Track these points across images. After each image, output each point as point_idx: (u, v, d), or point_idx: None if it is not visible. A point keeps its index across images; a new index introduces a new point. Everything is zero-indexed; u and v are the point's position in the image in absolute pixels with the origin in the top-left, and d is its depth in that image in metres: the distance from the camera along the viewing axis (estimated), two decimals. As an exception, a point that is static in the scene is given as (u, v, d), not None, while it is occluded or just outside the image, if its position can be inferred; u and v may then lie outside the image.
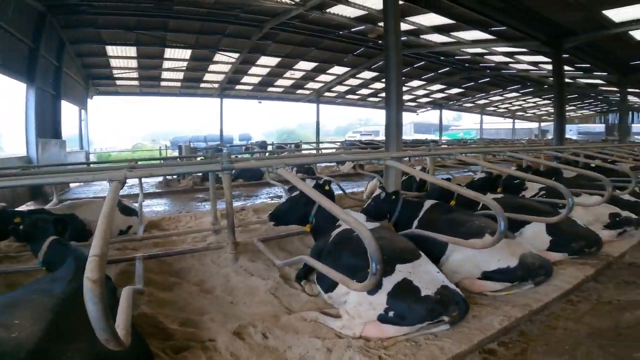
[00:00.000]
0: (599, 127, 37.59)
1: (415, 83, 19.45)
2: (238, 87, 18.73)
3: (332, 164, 13.67)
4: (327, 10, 10.03)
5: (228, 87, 18.52)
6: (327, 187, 3.98)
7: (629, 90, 16.49)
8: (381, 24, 10.02)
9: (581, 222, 3.86)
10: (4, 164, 7.48)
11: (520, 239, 3.43)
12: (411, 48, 12.97)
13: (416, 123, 43.72)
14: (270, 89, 19.49)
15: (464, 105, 27.92)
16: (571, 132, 36.15)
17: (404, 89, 18.55)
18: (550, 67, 12.77)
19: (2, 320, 1.50)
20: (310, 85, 19.34)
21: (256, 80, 17.75)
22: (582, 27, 9.65)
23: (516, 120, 35.62)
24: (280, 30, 11.76)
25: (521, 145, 11.45)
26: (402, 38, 6.14)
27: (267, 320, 2.40)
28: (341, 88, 20.38)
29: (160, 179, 10.45)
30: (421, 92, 21.86)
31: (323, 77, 17.99)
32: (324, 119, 22.55)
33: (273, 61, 15.05)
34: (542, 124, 36.59)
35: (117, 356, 1.43)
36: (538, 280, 2.90)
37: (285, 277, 3.15)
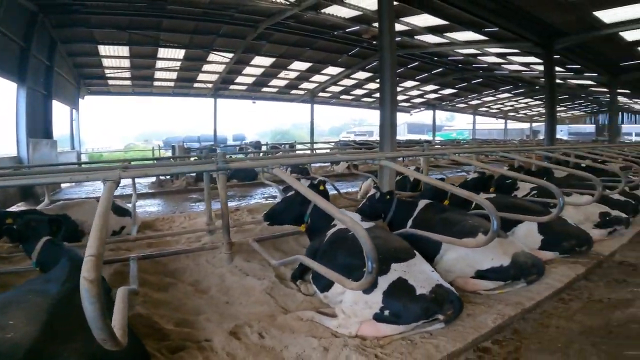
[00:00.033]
0: (589, 128, 38.16)
1: (409, 83, 19.55)
2: (232, 87, 18.67)
3: (326, 164, 13.69)
4: (322, 11, 10.05)
5: (222, 87, 18.46)
6: (321, 187, 3.98)
7: (619, 91, 16.74)
8: (376, 24, 10.10)
9: (572, 221, 3.92)
10: (-6, 164, 7.38)
11: (513, 238, 3.48)
12: (405, 49, 13.04)
13: (410, 123, 43.96)
14: (265, 89, 19.46)
15: (457, 105, 28.15)
16: (562, 132, 36.66)
17: (398, 89, 18.66)
18: (541, 68, 12.93)
19: (-3, 321, 1.49)
20: (305, 85, 19.34)
21: (250, 80, 17.71)
22: (573, 28, 9.78)
23: (508, 121, 36.00)
24: (275, 30, 11.75)
25: (513, 146, 11.60)
26: (396, 39, 6.17)
27: (264, 320, 2.40)
28: (335, 88, 20.41)
29: (153, 179, 10.39)
30: (415, 92, 21.98)
31: (317, 78, 18.01)
32: (318, 119, 22.57)
33: (267, 61, 15.03)
34: (534, 124, 37.04)
35: (114, 356, 1.43)
36: (530, 279, 2.95)
37: (280, 277, 3.15)
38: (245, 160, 5.22)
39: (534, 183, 4.19)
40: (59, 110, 12.75)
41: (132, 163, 5.48)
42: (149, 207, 7.61)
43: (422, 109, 27.34)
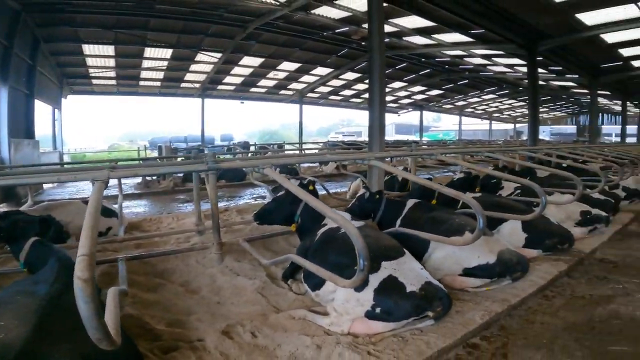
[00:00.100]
0: (571, 129, 39.21)
1: (397, 84, 19.73)
2: (220, 87, 18.52)
3: (315, 165, 13.72)
4: (312, 11, 10.06)
5: (210, 87, 18.29)
6: (311, 188, 4.00)
7: (599, 92, 17.21)
8: (365, 25, 10.15)
9: (554, 220, 4.03)
10: (-26, 165, 7.17)
11: (498, 236, 3.57)
12: (394, 50, 13.15)
13: (397, 124, 44.36)
14: (253, 89, 19.36)
15: (443, 106, 28.54)
16: (544, 133, 37.58)
17: (386, 90, 18.80)
18: (525, 69, 13.21)
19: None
20: (294, 85, 19.32)
21: (239, 80, 17.60)
22: (556, 30, 10.02)
23: (493, 122, 36.69)
24: (264, 30, 11.72)
25: (498, 146, 11.84)
26: (385, 40, 6.23)
27: (256, 319, 2.40)
28: (324, 89, 20.45)
29: (139, 179, 10.24)
30: (403, 93, 22.20)
31: (306, 78, 18.01)
32: (306, 120, 22.65)
33: (256, 61, 14.97)
34: (517, 125, 37.84)
35: (107, 357, 1.42)
36: (515, 276, 3.02)
37: (271, 277, 3.16)
38: (235, 161, 5.19)
39: (518, 182, 4.29)
40: (41, 110, 12.52)
41: (119, 163, 5.40)
42: (135, 208, 7.50)
43: (409, 109, 27.63)
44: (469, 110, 30.98)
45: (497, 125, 38.80)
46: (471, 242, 2.62)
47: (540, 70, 13.37)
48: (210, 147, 17.68)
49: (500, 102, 27.72)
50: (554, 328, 2.47)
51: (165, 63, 14.18)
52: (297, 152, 15.62)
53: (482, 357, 2.17)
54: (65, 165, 10.26)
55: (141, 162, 9.30)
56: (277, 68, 16.05)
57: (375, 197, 3.99)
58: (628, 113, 24.15)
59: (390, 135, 39.51)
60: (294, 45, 13.35)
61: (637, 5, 8.18)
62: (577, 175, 4.16)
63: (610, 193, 5.67)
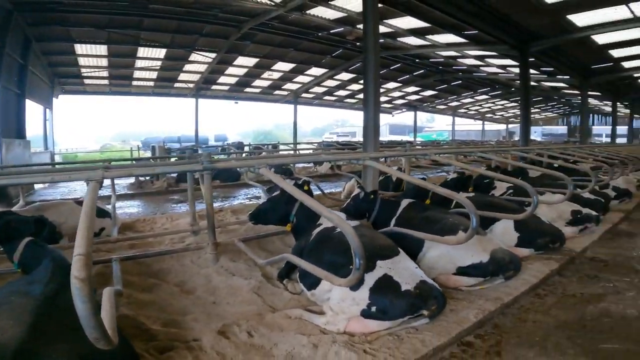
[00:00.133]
0: (562, 129, 39.75)
1: (391, 85, 19.81)
2: (214, 87, 18.45)
3: (309, 165, 13.73)
4: (307, 12, 10.07)
5: (204, 87, 18.20)
6: (306, 188, 4.00)
7: (590, 93, 17.44)
8: (360, 26, 10.20)
9: (546, 219, 4.08)
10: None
11: (491, 235, 3.60)
12: (388, 50, 13.22)
13: (391, 124, 44.58)
14: (248, 89, 19.31)
15: (437, 107, 28.72)
16: (536, 133, 38.05)
17: (381, 90, 18.88)
18: (517, 70, 13.35)
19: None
20: (288, 86, 19.31)
21: (233, 80, 17.54)
22: (548, 31, 10.15)
23: (485, 122, 37.03)
24: (259, 30, 11.70)
25: (490, 146, 11.96)
26: (380, 40, 6.26)
27: (252, 319, 2.40)
28: (319, 89, 20.47)
29: (132, 180, 10.17)
30: (397, 93, 22.30)
31: (301, 78, 18.01)
32: (300, 120, 22.59)
33: (251, 61, 14.93)
34: (510, 125, 38.24)
35: (103, 356, 1.42)
36: (508, 274, 3.05)
37: (267, 277, 3.16)
38: (230, 161, 5.19)
39: (510, 182, 4.34)
40: (32, 110, 12.39)
41: (112, 164, 5.36)
42: (128, 209, 7.44)
43: (403, 110, 27.76)
44: (462, 110, 31.23)
45: (489, 126, 39.19)
46: (464, 241, 2.65)
47: (532, 71, 13.53)
48: (204, 148, 17.62)
49: (493, 102, 28.00)
50: (547, 326, 2.50)
51: (159, 63, 14.08)
52: (292, 152, 15.61)
53: (476, 355, 2.18)
54: (57, 166, 10.14)
55: (134, 162, 9.24)
56: (272, 68, 16.03)
57: (370, 197, 4.01)
58: (618, 114, 24.57)
59: (385, 136, 39.66)
60: (288, 45, 13.35)
61: (628, 7, 8.29)
62: (568, 175, 4.23)
63: (601, 193, 5.76)
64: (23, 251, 2.36)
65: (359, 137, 29.59)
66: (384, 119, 31.17)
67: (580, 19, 9.17)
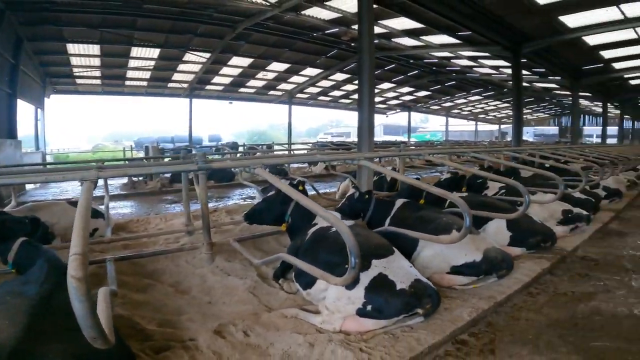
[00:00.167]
0: (553, 130, 40.24)
1: (386, 85, 19.90)
2: (208, 87, 18.38)
3: (304, 165, 13.75)
4: (302, 12, 10.08)
5: (198, 88, 18.13)
6: (301, 188, 4.01)
7: (581, 94, 17.66)
8: (355, 26, 10.23)
9: (537, 219, 4.13)
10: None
11: (484, 234, 3.64)
12: (383, 51, 13.28)
13: (385, 125, 44.70)
14: (242, 89, 19.27)
15: (431, 107, 28.90)
16: (528, 134, 38.49)
17: (375, 91, 18.97)
18: (509, 71, 13.48)
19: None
20: (283, 86, 19.30)
21: (227, 80, 17.50)
22: (540, 33, 10.26)
23: (478, 123, 37.34)
24: (254, 30, 11.69)
25: (483, 147, 12.05)
26: (375, 41, 6.29)
27: (248, 319, 2.40)
28: (313, 89, 20.49)
29: (125, 180, 10.10)
30: (391, 94, 22.40)
31: (296, 79, 18.02)
32: (295, 121, 22.65)
33: (245, 62, 14.91)
34: (502, 126, 38.61)
35: (99, 356, 1.42)
36: (501, 273, 3.08)
37: (262, 276, 3.16)
38: (226, 161, 5.18)
39: (503, 182, 4.39)
40: (24, 110, 12.26)
41: (105, 164, 5.31)
42: (121, 209, 7.38)
43: (397, 110, 27.89)
44: (456, 111, 31.48)
45: (482, 126, 39.53)
46: (458, 240, 2.68)
47: (524, 72, 13.68)
48: (198, 148, 17.55)
49: (486, 103, 28.27)
50: (539, 324, 2.53)
51: (153, 63, 14.00)
52: (287, 152, 15.61)
53: (471, 353, 2.21)
54: (49, 166, 10.03)
55: (126, 162, 9.17)
56: (267, 68, 16.02)
57: (365, 196, 4.03)
58: (609, 114, 24.89)
59: (379, 136, 39.80)
60: (283, 45, 13.35)
61: (619, 8, 8.40)
62: (559, 175, 4.28)
63: (591, 192, 5.85)
64: (17, 251, 2.34)
65: (354, 138, 29.66)
66: (378, 120, 31.36)
67: (572, 20, 9.28)
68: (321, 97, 22.57)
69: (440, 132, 41.50)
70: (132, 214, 6.98)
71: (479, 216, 3.58)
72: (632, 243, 4.44)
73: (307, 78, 17.87)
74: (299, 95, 21.17)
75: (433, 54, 14.04)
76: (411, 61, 16.01)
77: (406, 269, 2.55)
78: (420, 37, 11.67)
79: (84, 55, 12.75)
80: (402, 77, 18.56)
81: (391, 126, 45.39)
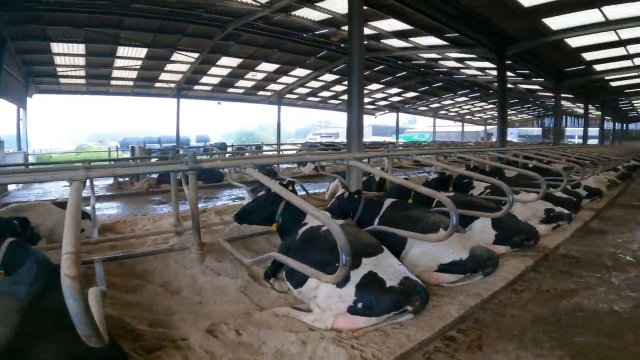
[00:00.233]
0: (537, 131, 41.16)
1: (374, 86, 20.04)
2: (196, 87, 18.19)
3: (293, 166, 13.76)
4: (293, 13, 10.09)
5: (186, 88, 17.93)
6: (290, 188, 4.03)
7: (563, 95, 18.06)
8: (344, 27, 10.28)
9: (521, 218, 4.24)
10: None
11: (470, 233, 3.73)
12: (372, 52, 13.39)
13: (374, 126, 45.01)
14: (231, 90, 19.15)
15: (418, 108, 29.23)
16: (512, 135, 39.26)
17: (364, 92, 19.08)
18: (495, 72, 13.72)
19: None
20: (272, 87, 19.26)
21: (216, 80, 17.37)
22: (524, 35, 10.47)
23: (465, 124, 37.93)
24: (244, 31, 11.63)
25: (469, 147, 12.27)
26: (364, 42, 6.33)
27: (240, 318, 2.41)
28: (303, 90, 20.49)
29: (111, 180, 9.94)
30: (379, 95, 22.57)
31: (285, 79, 18.00)
32: (284, 121, 22.55)
33: (234, 62, 14.83)
34: (488, 127, 39.29)
35: (92, 355, 1.42)
36: (487, 271, 3.16)
37: (253, 276, 3.17)
38: (216, 161, 5.16)
39: (488, 182, 4.49)
40: (6, 110, 11.96)
41: (91, 164, 5.23)
42: (107, 210, 7.26)
43: (386, 111, 28.12)
44: (443, 112, 31.90)
45: (469, 127, 40.18)
46: (445, 239, 2.75)
47: (508, 73, 13.95)
48: (186, 148, 17.36)
49: (472, 104, 28.74)
50: (524, 321, 2.60)
51: (140, 62, 13.80)
52: (276, 153, 15.59)
53: (459, 349, 2.26)
54: (33, 166, 9.78)
55: (112, 163, 9.02)
56: (256, 69, 15.96)
57: (354, 196, 4.08)
58: (590, 116, 25.60)
59: (368, 137, 40.04)
60: (273, 46, 13.33)
61: (601, 10, 8.59)
62: (542, 175, 4.40)
63: (573, 192, 6.02)
64: (6, 252, 2.30)
65: (342, 138, 29.80)
66: (367, 120, 31.50)
67: (555, 23, 9.49)
68: (310, 98, 22.59)
69: (427, 132, 41.94)
70: (118, 215, 6.88)
71: (465, 215, 3.66)
72: (612, 241, 4.59)
73: (296, 79, 17.86)
74: (288, 95, 21.14)
75: (421, 55, 14.21)
76: (399, 62, 16.17)
77: (395, 267, 2.59)
78: (409, 39, 11.79)
79: (68, 55, 12.49)
80: (390, 78, 18.72)
81: (380, 127, 45.74)
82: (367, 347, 2.13)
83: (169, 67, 14.70)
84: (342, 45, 12.88)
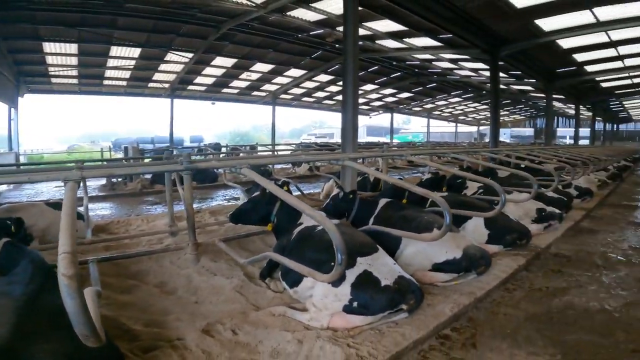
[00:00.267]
0: (529, 131, 41.60)
1: (369, 87, 20.10)
2: (190, 87, 18.11)
3: (287, 166, 13.77)
4: (288, 14, 10.08)
5: (180, 88, 17.82)
6: (285, 188, 4.04)
7: (554, 96, 18.22)
8: (339, 28, 10.31)
9: (513, 217, 4.30)
10: None
11: (464, 232, 3.77)
12: (367, 52, 13.42)
13: (369, 126, 45.08)
14: (225, 90, 19.08)
15: (412, 109, 29.35)
16: (505, 135, 39.65)
17: (359, 92, 19.11)
18: (488, 73, 13.82)
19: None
20: (267, 87, 19.22)
21: (210, 81, 17.30)
22: (517, 36, 10.55)
23: (458, 124, 38.19)
24: (239, 31, 11.61)
25: (463, 148, 12.35)
26: (359, 43, 6.34)
27: (236, 317, 2.42)
28: (297, 90, 20.48)
29: (104, 181, 9.86)
30: (374, 95, 22.64)
31: (279, 80, 17.98)
32: (278, 121, 22.57)
33: (229, 62, 14.78)
34: (481, 127, 39.62)
35: (88, 355, 1.42)
36: (480, 270, 3.20)
37: (249, 276, 3.17)
38: (211, 161, 5.15)
39: (481, 182, 4.54)
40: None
41: (85, 164, 5.19)
42: (100, 211, 7.21)
43: (380, 112, 28.22)
44: (437, 113, 32.07)
45: (462, 128, 40.46)
46: (439, 238, 2.78)
47: (501, 74, 14.06)
48: (180, 149, 17.28)
49: (466, 105, 28.95)
50: (517, 319, 2.64)
51: (133, 62, 13.70)
52: (271, 153, 15.58)
53: (453, 347, 2.29)
54: (25, 167, 9.66)
55: (104, 163, 8.95)
56: (251, 69, 15.92)
57: (349, 196, 4.09)
58: (581, 116, 25.89)
59: (362, 137, 40.11)
60: (268, 46, 13.31)
61: (592, 11, 8.67)
62: (534, 175, 4.45)
63: (564, 192, 6.11)
64: (1, 252, 2.28)
65: (337, 139, 29.82)
66: (362, 121, 31.56)
67: (547, 24, 9.57)
68: (305, 98, 22.58)
69: (421, 133, 42.18)
70: (112, 215, 6.83)
71: (458, 215, 3.70)
72: (602, 240, 4.67)
73: (291, 79, 17.86)
74: (282, 96, 21.12)
75: (415, 56, 14.28)
76: (394, 63, 16.23)
77: (390, 266, 2.62)
78: (403, 40, 11.84)
79: (60, 54, 12.36)
80: (385, 78, 18.79)
81: (374, 127, 45.83)
82: (363, 345, 2.15)
83: (162, 67, 14.61)
84: (337, 45, 12.89)
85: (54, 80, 14.97)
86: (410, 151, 6.06)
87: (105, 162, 9.36)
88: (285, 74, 16.96)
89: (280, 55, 14.29)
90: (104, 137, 38.25)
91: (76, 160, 6.88)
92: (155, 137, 28.38)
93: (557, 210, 4.97)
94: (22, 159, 14.29)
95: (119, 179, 9.84)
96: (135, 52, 12.64)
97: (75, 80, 15.45)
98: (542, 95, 19.00)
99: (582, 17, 9.05)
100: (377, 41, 12.34)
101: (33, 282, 1.79)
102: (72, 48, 11.87)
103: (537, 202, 4.86)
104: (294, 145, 19.38)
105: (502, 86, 17.01)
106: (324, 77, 17.99)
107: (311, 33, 11.98)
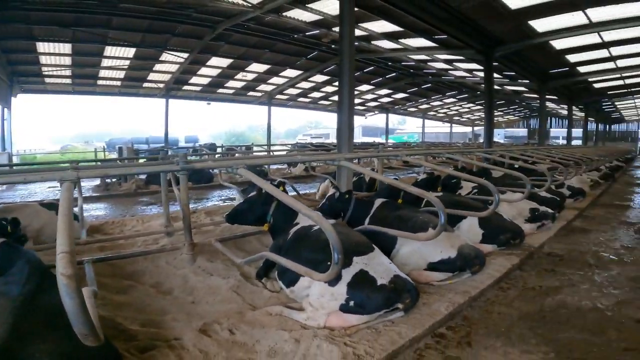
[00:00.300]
0: (522, 132, 41.91)
1: (365, 87, 20.14)
2: (186, 87, 18.03)
3: (283, 167, 13.77)
4: (284, 14, 10.08)
5: (175, 88, 17.75)
6: (281, 189, 4.06)
7: (547, 97, 18.40)
8: (335, 28, 10.32)
9: (507, 217, 4.34)
10: None
11: (458, 232, 3.80)
12: (362, 53, 13.45)
13: (364, 126, 45.18)
14: (221, 90, 19.03)
15: (408, 109, 29.47)
16: (499, 135, 39.95)
17: (354, 93, 19.13)
18: (482, 74, 13.90)
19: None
20: (262, 87, 19.20)
21: (206, 81, 17.24)
22: (511, 37, 10.63)
23: (453, 125, 38.38)
24: (234, 31, 11.59)
25: (457, 148, 12.43)
26: (355, 43, 6.37)
27: (233, 317, 2.43)
28: (293, 91, 20.48)
29: (98, 181, 9.80)
30: (370, 96, 22.71)
31: (275, 80, 17.96)
32: (274, 122, 22.52)
33: (225, 62, 14.75)
34: (475, 128, 39.86)
35: (86, 355, 1.42)
36: (474, 269, 3.24)
37: (246, 276, 3.18)
38: (207, 161, 5.15)
39: (475, 182, 4.58)
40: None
41: (79, 165, 5.16)
42: (94, 212, 7.17)
43: (376, 112, 28.30)
44: (432, 113, 32.23)
45: (456, 128, 40.66)
46: (434, 237, 2.81)
47: (495, 75, 14.12)
48: (175, 149, 17.21)
49: (460, 105, 29.12)
50: (510, 317, 2.68)
51: (127, 62, 13.62)
52: (266, 153, 15.56)
53: (449, 345, 2.32)
54: (18, 167, 9.57)
55: (98, 163, 8.90)
56: (246, 69, 15.89)
57: (345, 196, 4.11)
58: (574, 117, 26.14)
59: (358, 138, 40.20)
60: (264, 46, 13.30)
61: (585, 13, 8.75)
62: (527, 175, 4.51)
63: (557, 192, 6.18)
64: None
65: (332, 139, 29.88)
66: (357, 121, 31.49)
67: (541, 25, 9.66)
68: (301, 99, 22.58)
69: (417, 133, 42.33)
70: (106, 216, 6.80)
71: (453, 214, 3.73)
72: (594, 240, 4.73)
73: (287, 79, 17.85)
74: (278, 96, 21.10)
75: (410, 56, 14.34)
76: (389, 64, 16.28)
77: (386, 265, 2.64)
78: (399, 40, 11.89)
79: (54, 54, 12.27)
80: (380, 79, 18.84)
81: (370, 128, 45.96)
82: (360, 344, 2.17)
83: (157, 67, 14.55)
84: (332, 46, 12.91)
85: (47, 80, 14.85)
86: (406, 151, 6.08)
87: (99, 163, 9.30)
88: (281, 74, 16.95)
89: (276, 55, 14.28)
90: (97, 137, 37.98)
91: (70, 160, 6.84)
92: (149, 138, 28.22)
93: (550, 210, 5.03)
94: (15, 159, 14.14)
95: (113, 180, 9.78)
96: (130, 52, 12.57)
97: (69, 80, 15.34)
98: (536, 95, 19.17)
99: (575, 18, 9.13)
100: (372, 42, 12.38)
101: (30, 283, 1.78)
102: (66, 48, 11.79)
103: (531, 201, 4.92)
104: (290, 146, 19.38)
105: (496, 87, 17.11)
106: (319, 78, 18.01)
107: (307, 33, 11.99)
